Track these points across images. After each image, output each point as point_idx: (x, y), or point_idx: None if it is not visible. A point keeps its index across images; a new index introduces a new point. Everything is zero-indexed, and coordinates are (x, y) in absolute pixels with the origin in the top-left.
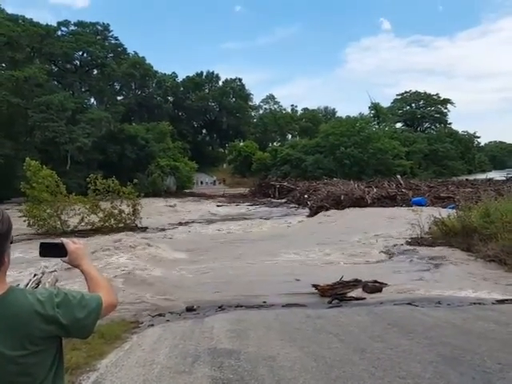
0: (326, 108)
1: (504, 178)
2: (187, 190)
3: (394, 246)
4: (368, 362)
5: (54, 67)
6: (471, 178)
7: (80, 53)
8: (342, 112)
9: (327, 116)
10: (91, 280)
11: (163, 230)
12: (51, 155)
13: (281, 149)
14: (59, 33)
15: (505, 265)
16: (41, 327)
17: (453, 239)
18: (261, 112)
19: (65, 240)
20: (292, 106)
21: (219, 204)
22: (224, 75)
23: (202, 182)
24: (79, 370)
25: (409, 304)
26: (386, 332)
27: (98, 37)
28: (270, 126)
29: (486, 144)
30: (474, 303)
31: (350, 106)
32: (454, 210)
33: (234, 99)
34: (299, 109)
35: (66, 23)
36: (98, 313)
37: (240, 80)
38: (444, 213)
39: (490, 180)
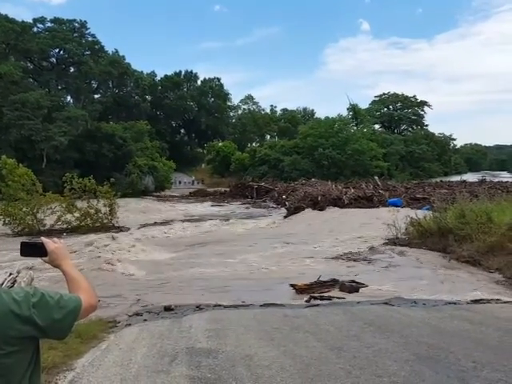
0: (304, 109)
1: (477, 180)
2: (154, 194)
3: (370, 247)
4: (345, 361)
5: (29, 64)
6: (446, 179)
7: (56, 50)
8: (321, 113)
9: (306, 117)
10: (71, 280)
11: (142, 227)
12: (26, 153)
13: (259, 149)
14: (35, 29)
15: (479, 265)
16: (16, 327)
17: (429, 240)
18: (239, 112)
19: (45, 240)
20: (271, 106)
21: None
22: (203, 75)
23: (180, 182)
24: (56, 369)
25: (385, 304)
26: (362, 331)
27: (75, 34)
28: (248, 127)
29: (461, 146)
30: (449, 303)
31: (329, 107)
32: (430, 211)
33: (212, 99)
34: (278, 109)
35: (42, 20)
36: (76, 314)
37: (219, 80)
38: (419, 214)
39: (464, 182)
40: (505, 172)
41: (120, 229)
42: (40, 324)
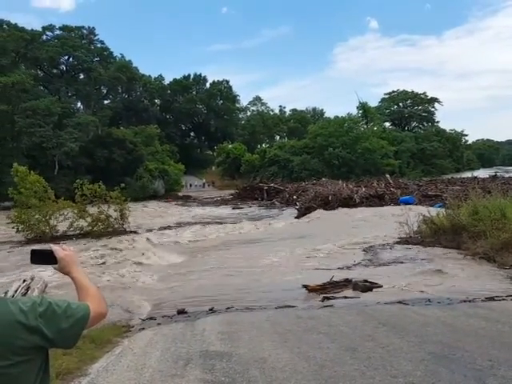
0: (314, 109)
1: (488, 176)
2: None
3: (383, 245)
4: (359, 362)
5: (39, 72)
6: (459, 176)
7: (66, 57)
8: (331, 112)
9: (315, 117)
10: (81, 288)
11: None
12: (38, 160)
13: (269, 150)
14: (44, 37)
15: (494, 262)
16: (23, 337)
17: (442, 237)
18: (248, 114)
19: (54, 247)
20: (280, 107)
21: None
22: (211, 77)
23: (190, 185)
24: (70, 375)
25: (399, 303)
26: (376, 331)
27: (84, 41)
28: (258, 128)
29: (473, 142)
30: (464, 301)
31: (339, 106)
32: (442, 209)
33: (221, 101)
34: (287, 110)
35: (51, 27)
36: (84, 323)
37: (227, 82)
38: (432, 211)
39: (475, 178)
40: None
41: (131, 233)
42: (47, 334)
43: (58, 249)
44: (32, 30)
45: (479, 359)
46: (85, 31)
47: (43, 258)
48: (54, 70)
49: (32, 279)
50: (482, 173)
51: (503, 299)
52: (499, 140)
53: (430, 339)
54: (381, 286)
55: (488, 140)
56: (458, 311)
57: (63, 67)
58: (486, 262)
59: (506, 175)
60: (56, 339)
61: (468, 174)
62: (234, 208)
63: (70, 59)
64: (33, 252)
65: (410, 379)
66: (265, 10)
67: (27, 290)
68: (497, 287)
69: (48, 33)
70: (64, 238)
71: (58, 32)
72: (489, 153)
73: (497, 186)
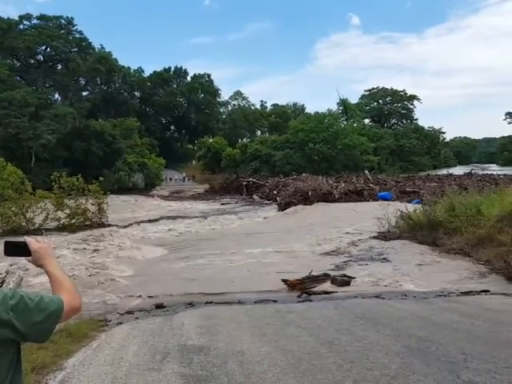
0: (295, 104)
1: (463, 173)
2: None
3: (360, 240)
4: (336, 355)
5: (16, 62)
6: (436, 173)
7: (43, 47)
8: (312, 108)
9: (296, 112)
10: (55, 281)
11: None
12: (14, 152)
13: (250, 145)
14: (21, 26)
15: (469, 257)
16: None
17: (419, 233)
18: (229, 108)
19: (28, 239)
20: (261, 101)
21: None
22: (192, 70)
23: (170, 179)
24: (46, 369)
25: (376, 297)
26: (353, 325)
27: (62, 31)
28: (239, 123)
29: (451, 139)
30: (439, 295)
31: (320, 102)
32: (419, 205)
33: (202, 95)
34: (269, 105)
35: (28, 17)
36: (57, 316)
37: (209, 75)
38: (409, 207)
39: (451, 175)
40: (493, 165)
41: (109, 226)
42: (19, 327)
43: (32, 241)
44: (8, 18)
45: (453, 352)
46: (63, 21)
47: (17, 250)
48: (31, 60)
49: (7, 272)
50: (459, 170)
51: (477, 294)
52: (476, 138)
53: (406, 333)
54: (357, 280)
55: (465, 138)
56: (432, 305)
57: (40, 57)
58: (462, 258)
59: (481, 172)
60: (28, 333)
61: (445, 171)
62: (221, 204)
63: (48, 49)
64: (6, 244)
65: (386, 372)
66: (248, 3)
67: (2, 283)
68: (471, 282)
69: (25, 22)
70: (41, 230)
71: (35, 21)
72: (466, 150)
73: (473, 183)
